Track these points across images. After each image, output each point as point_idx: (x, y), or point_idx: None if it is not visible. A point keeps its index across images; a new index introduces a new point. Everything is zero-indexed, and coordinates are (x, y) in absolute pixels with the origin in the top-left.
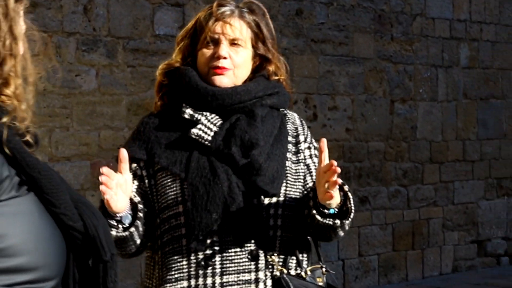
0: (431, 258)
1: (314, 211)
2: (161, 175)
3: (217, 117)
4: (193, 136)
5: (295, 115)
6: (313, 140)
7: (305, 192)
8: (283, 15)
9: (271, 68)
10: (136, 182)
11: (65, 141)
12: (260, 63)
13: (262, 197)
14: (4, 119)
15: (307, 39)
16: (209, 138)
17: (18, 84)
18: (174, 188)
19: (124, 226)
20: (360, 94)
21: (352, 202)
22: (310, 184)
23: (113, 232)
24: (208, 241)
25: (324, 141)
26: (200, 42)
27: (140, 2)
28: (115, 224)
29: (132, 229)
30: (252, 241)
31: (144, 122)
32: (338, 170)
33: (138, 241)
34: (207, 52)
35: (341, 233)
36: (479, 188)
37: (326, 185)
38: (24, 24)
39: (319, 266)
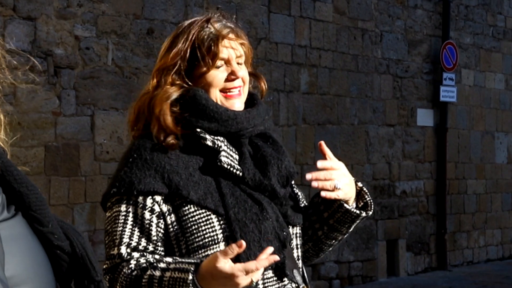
0: None
1: (345, 204)
2: (187, 210)
3: (228, 142)
4: (225, 166)
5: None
6: None
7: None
8: (135, 34)
9: (263, 85)
10: (154, 220)
11: None
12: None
13: (291, 227)
14: None
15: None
16: (237, 166)
17: None
18: (211, 225)
19: None
20: None
21: (368, 194)
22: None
23: None
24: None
25: (322, 144)
26: (205, 64)
27: None
28: None
29: None
30: (288, 275)
31: (145, 147)
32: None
33: None
34: (219, 73)
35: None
36: None
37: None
38: None
39: None
